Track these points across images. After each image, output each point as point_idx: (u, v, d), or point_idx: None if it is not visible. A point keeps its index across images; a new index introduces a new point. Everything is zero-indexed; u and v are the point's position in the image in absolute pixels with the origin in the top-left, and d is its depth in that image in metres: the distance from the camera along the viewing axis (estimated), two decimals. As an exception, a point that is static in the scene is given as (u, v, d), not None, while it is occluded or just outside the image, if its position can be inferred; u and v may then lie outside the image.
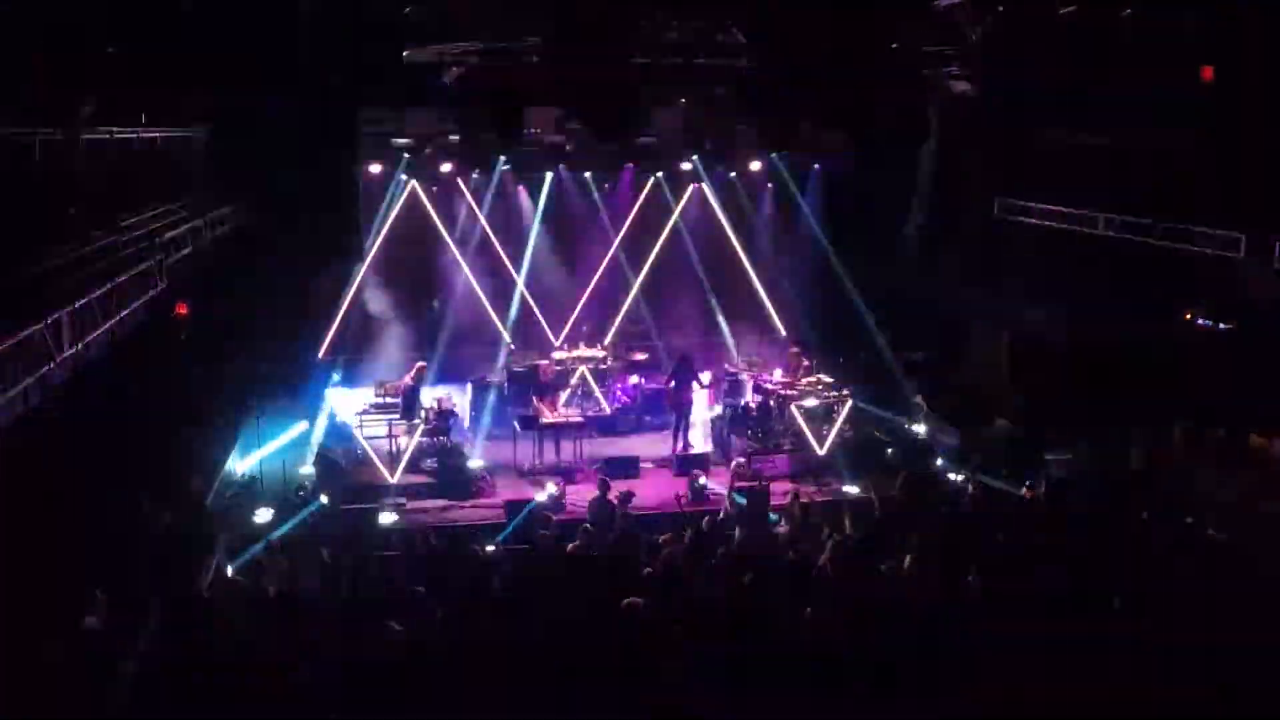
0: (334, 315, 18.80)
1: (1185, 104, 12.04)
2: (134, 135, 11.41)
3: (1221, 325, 12.90)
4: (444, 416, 16.07)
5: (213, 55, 13.60)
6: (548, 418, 16.38)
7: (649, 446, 16.93)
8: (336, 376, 17.97)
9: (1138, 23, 9.67)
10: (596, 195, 20.20)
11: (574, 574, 11.19)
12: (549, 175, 19.39)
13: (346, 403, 17.04)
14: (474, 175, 19.24)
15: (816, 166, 19.53)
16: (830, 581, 10.60)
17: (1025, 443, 15.75)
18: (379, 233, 18.84)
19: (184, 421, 14.55)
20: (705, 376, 17.30)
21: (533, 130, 17.10)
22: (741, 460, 15.81)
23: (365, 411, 16.10)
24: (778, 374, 17.54)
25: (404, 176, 18.79)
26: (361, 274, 18.65)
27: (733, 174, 20.18)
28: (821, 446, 16.08)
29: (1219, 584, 9.83)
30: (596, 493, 13.86)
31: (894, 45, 9.45)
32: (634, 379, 18.43)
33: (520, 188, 19.61)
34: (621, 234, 20.31)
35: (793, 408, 16.38)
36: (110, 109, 11.00)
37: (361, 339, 18.87)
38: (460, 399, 17.44)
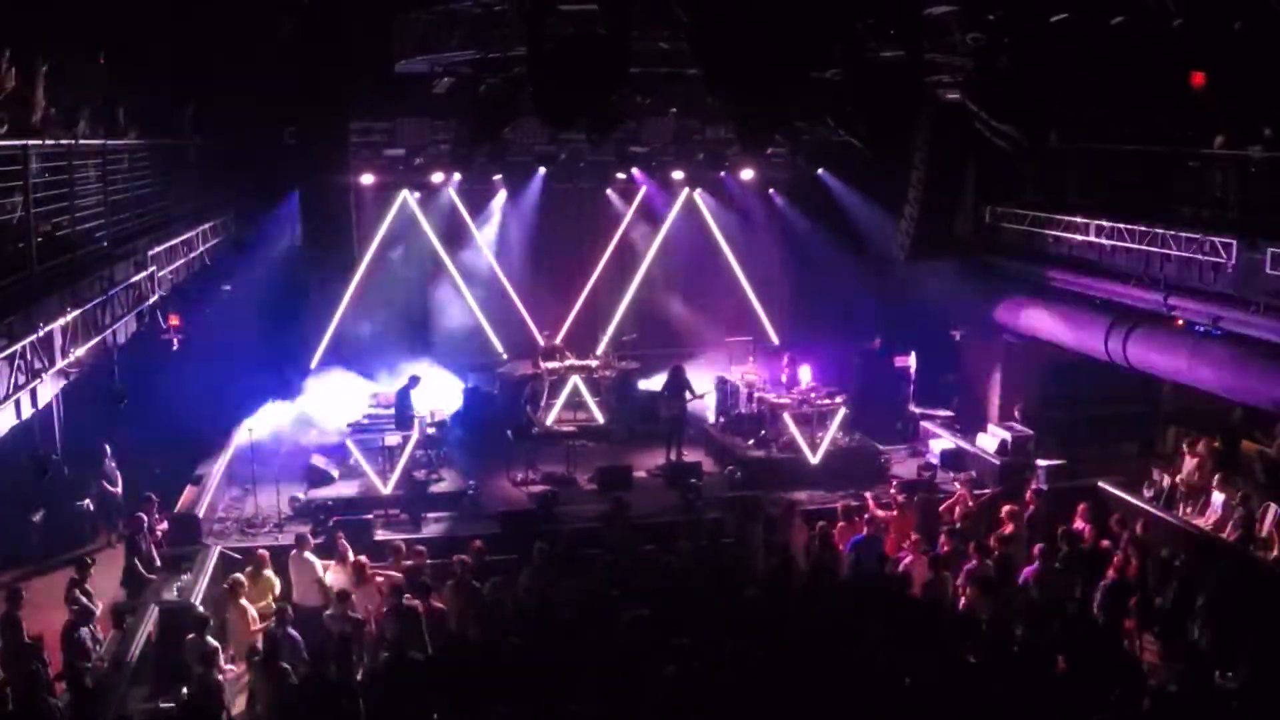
0: (326, 325, 18.71)
1: (1177, 109, 12.12)
2: (130, 144, 11.36)
3: (1215, 330, 12.90)
4: (437, 427, 15.99)
5: (204, 66, 13.60)
6: (540, 427, 16.32)
7: (642, 456, 16.89)
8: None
9: (1129, 29, 9.71)
10: (588, 205, 20.20)
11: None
12: (540, 184, 19.36)
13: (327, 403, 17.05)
14: (465, 185, 19.22)
15: (821, 171, 19.50)
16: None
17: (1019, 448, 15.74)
18: (371, 243, 18.80)
19: (176, 432, 14.48)
20: (699, 386, 17.28)
21: (524, 140, 17.11)
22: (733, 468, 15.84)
23: (358, 423, 16.03)
24: (771, 382, 17.53)
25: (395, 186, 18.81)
26: (354, 284, 18.59)
27: (724, 182, 20.20)
28: (815, 455, 16.04)
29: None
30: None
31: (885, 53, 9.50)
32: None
33: (512, 197, 19.58)
34: (614, 243, 20.31)
35: (786, 416, 16.34)
36: (103, 118, 10.97)
37: (354, 349, 18.79)
38: (452, 409, 17.35)
